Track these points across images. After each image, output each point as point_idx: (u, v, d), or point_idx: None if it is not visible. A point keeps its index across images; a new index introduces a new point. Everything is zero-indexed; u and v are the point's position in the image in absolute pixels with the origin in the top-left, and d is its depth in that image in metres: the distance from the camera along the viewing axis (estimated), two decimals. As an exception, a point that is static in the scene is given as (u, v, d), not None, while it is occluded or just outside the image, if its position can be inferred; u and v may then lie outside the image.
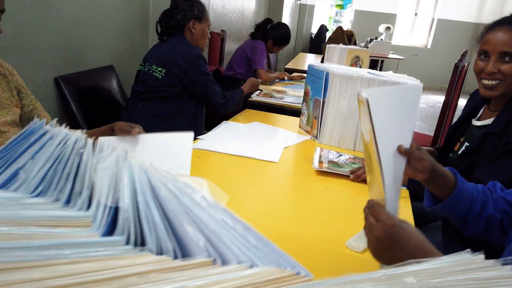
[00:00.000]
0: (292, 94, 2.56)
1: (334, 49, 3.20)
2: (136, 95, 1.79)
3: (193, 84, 1.80)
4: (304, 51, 7.32)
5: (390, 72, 1.67)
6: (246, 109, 2.14)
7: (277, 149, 1.52)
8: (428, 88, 8.73)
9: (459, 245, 1.01)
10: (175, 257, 0.32)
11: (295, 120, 2.05)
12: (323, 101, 1.60)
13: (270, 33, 3.16)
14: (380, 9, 8.56)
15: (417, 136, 3.07)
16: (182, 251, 0.33)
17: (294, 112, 2.31)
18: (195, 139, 1.60)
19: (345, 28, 8.82)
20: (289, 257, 0.33)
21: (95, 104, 1.79)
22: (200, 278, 0.29)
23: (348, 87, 1.55)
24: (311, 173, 1.33)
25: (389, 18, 8.45)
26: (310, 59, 5.35)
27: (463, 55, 2.57)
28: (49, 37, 1.54)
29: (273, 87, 2.82)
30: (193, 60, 1.77)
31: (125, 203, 0.38)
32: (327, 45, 3.32)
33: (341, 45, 3.41)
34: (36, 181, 0.40)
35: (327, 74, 1.56)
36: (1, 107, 1.02)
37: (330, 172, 1.31)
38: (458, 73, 2.52)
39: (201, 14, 1.85)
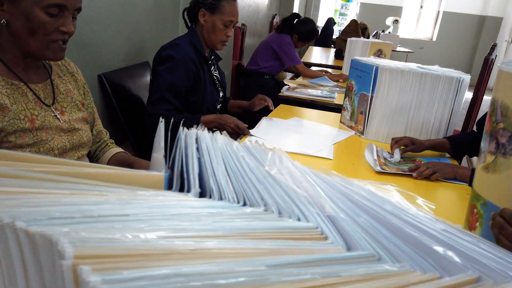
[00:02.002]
0: (319, 88, 2.53)
1: (356, 43, 3.17)
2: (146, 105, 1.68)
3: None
4: (310, 44, 7.27)
5: (436, 66, 1.65)
6: (280, 105, 2.11)
7: (327, 145, 1.49)
8: (434, 81, 8.71)
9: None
10: (441, 276, 0.29)
11: (330, 114, 2.03)
12: (371, 96, 1.57)
13: (296, 28, 3.11)
14: (386, 1, 8.51)
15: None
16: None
17: (325, 106, 2.28)
18: (241, 137, 1.57)
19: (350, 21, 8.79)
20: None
21: (133, 101, 1.76)
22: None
23: (398, 81, 1.52)
24: (370, 170, 1.31)
25: (395, 11, 8.41)
26: (319, 53, 5.30)
27: (492, 48, 2.55)
28: (93, 34, 1.50)
29: (298, 81, 2.79)
30: (162, 57, 1.54)
31: (337, 213, 0.35)
32: (348, 38, 3.29)
33: (362, 39, 3.38)
34: (231, 189, 0.38)
35: (377, 69, 1.53)
36: (74, 105, 0.99)
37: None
38: (487, 67, 2.49)
39: (215, 4, 1.58)
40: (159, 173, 0.40)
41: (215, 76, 1.73)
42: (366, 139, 1.62)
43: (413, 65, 1.61)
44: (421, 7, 8.69)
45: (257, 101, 1.79)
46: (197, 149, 0.49)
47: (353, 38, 3.22)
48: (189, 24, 1.69)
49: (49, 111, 0.90)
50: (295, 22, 3.18)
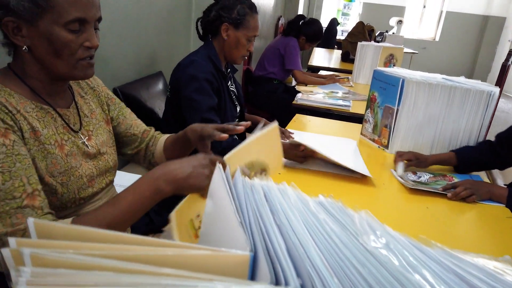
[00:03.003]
0: (333, 96, 2.48)
1: (367, 47, 3.11)
2: (162, 121, 1.61)
3: (181, 104, 1.47)
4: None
5: (462, 78, 1.59)
6: (297, 115, 2.05)
7: (357, 161, 1.44)
8: (436, 81, 8.68)
9: None
10: None
11: (349, 125, 1.98)
12: (397, 109, 1.52)
13: (302, 29, 3.05)
14: (389, 1, 8.45)
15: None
16: None
17: (340, 115, 2.23)
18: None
19: (352, 21, 8.71)
20: None
21: (148, 113, 1.70)
22: None
23: (425, 94, 1.47)
24: (402, 191, 1.26)
25: (398, 11, 8.36)
26: (323, 55, 5.24)
27: (509, 54, 2.50)
28: (108, 47, 1.44)
29: (310, 88, 2.73)
30: (184, 77, 1.43)
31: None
32: (358, 42, 3.23)
33: (373, 43, 3.32)
34: (337, 282, 0.32)
35: (403, 81, 1.48)
36: (99, 126, 0.93)
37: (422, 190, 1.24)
38: (504, 73, 2.45)
39: (240, 19, 1.49)
40: (244, 253, 0.34)
41: (232, 90, 1.66)
42: (391, 154, 1.57)
43: (439, 77, 1.55)
44: (424, 7, 8.63)
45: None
46: (271, 210, 0.43)
47: (364, 43, 3.16)
48: (201, 35, 1.60)
49: (77, 137, 0.84)
50: (300, 24, 3.11)
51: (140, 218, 1.07)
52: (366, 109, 1.72)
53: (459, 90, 1.43)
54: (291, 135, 1.64)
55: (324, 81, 2.95)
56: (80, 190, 0.81)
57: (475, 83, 1.51)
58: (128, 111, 1.06)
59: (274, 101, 3.01)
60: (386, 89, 1.57)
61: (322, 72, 3.60)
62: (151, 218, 1.02)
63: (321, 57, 4.98)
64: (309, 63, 4.16)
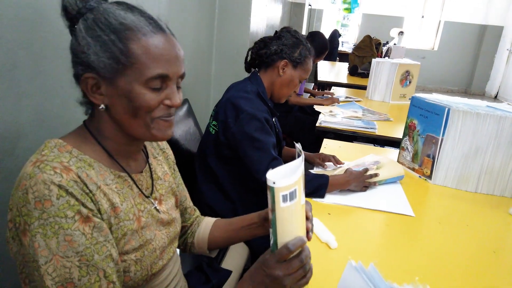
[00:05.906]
0: (355, 117, 2.42)
1: (382, 64, 3.06)
2: (198, 156, 1.53)
3: (235, 145, 1.38)
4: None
5: (505, 104, 1.54)
6: (324, 140, 1.98)
7: (400, 196, 1.37)
8: (436, 91, 8.72)
9: None
10: None
11: (380, 151, 1.91)
12: (441, 139, 1.45)
13: None
14: (388, 12, 8.50)
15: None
16: None
17: (367, 138, 2.17)
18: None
19: (352, 32, 8.74)
20: None
21: (174, 144, 1.62)
22: None
23: (472, 124, 1.41)
24: (462, 229, 1.18)
25: (397, 21, 8.41)
26: (328, 68, 5.20)
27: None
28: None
29: (328, 108, 2.66)
30: (243, 116, 1.34)
31: None
32: (373, 59, 3.18)
33: (387, 59, 3.28)
34: None
35: (449, 110, 1.42)
36: (170, 189, 0.84)
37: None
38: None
39: (301, 59, 1.47)
40: None
41: (276, 126, 1.58)
42: (434, 184, 1.50)
43: (483, 105, 1.49)
44: (423, 17, 8.70)
45: (317, 161, 1.64)
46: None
47: (378, 59, 3.12)
48: (249, 64, 1.55)
49: (149, 203, 0.76)
50: None
51: (195, 276, 0.99)
52: (404, 136, 1.65)
53: (509, 120, 1.37)
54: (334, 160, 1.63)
55: (322, 101, 2.85)
56: (153, 265, 0.72)
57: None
58: (182, 181, 0.98)
59: (291, 120, 2.95)
60: (428, 118, 1.51)
61: (334, 88, 3.55)
62: (207, 275, 0.94)
63: (326, 70, 4.94)
64: (319, 79, 4.11)
